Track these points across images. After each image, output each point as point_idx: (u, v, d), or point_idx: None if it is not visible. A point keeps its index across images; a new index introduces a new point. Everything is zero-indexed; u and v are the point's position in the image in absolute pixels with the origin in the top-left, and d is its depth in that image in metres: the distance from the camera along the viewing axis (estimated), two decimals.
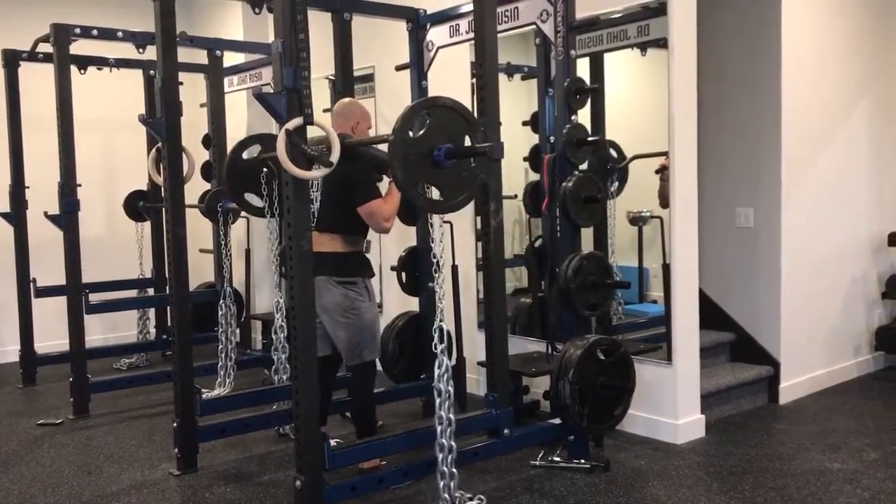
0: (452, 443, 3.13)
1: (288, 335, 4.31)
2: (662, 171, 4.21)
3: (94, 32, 5.00)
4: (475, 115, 3.37)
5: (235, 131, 5.84)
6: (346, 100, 3.94)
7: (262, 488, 3.66)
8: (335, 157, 3.03)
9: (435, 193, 3.08)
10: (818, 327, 4.95)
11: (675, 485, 3.52)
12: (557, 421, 3.73)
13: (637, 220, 4.73)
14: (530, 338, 4.71)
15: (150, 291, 6.34)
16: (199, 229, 5.76)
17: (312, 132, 3.10)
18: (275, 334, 4.40)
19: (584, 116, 4.00)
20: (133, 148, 6.53)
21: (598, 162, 4.47)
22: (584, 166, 3.98)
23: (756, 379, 4.63)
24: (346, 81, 4.49)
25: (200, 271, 6.18)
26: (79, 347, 4.98)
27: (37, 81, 5.63)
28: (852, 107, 5.13)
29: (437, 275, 3.13)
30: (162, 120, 3.76)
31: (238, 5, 6.42)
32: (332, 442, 3.23)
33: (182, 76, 4.06)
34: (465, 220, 4.89)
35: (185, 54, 4.64)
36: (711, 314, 4.73)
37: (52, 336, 6.05)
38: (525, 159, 4.87)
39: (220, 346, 4.84)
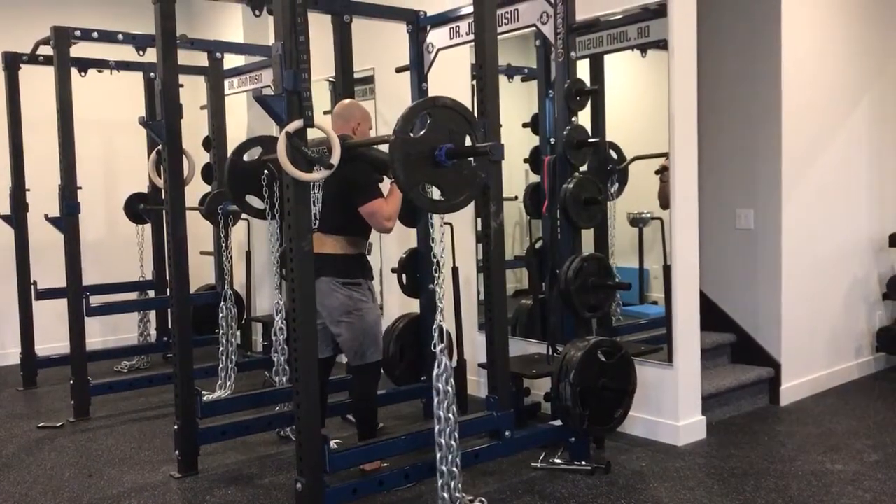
0: (452, 442, 3.13)
1: (288, 337, 4.32)
2: (662, 171, 4.21)
3: (95, 35, 5.00)
4: (476, 116, 3.37)
5: (236, 133, 5.85)
6: (347, 101, 3.94)
7: (262, 491, 3.66)
8: (335, 158, 3.03)
9: (436, 193, 3.07)
10: (819, 329, 4.95)
11: (677, 487, 3.52)
12: (558, 423, 3.73)
13: (637, 222, 4.73)
14: (531, 339, 4.71)
15: (151, 294, 6.34)
16: (199, 231, 5.76)
17: (312, 134, 3.10)
18: (274, 336, 4.40)
19: (584, 118, 3.99)
20: (133, 150, 6.54)
21: (599, 163, 4.47)
22: (584, 168, 3.98)
23: (757, 380, 4.62)
24: (347, 83, 4.49)
25: (201, 273, 6.18)
26: (79, 350, 4.98)
27: (37, 84, 5.64)
28: (852, 107, 5.13)
29: (437, 275, 3.13)
30: (162, 122, 3.77)
31: (238, 7, 6.43)
32: (333, 444, 3.22)
33: (182, 78, 4.06)
34: (465, 221, 4.89)
35: (185, 56, 4.64)
36: (712, 315, 4.73)
37: (52, 338, 6.05)
38: (525, 161, 4.87)
39: (221, 349, 4.83)
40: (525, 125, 4.85)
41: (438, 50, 4.50)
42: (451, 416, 3.13)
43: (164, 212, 4.05)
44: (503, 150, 3.38)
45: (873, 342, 5.35)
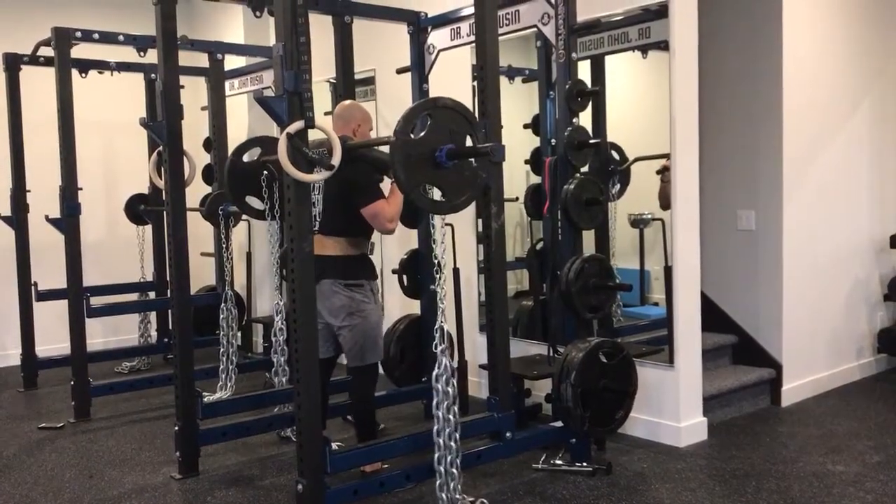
0: (452, 443, 3.13)
1: (288, 338, 4.32)
2: (663, 172, 4.21)
3: (95, 36, 5.00)
4: (477, 118, 3.37)
5: (236, 134, 5.85)
6: (347, 102, 3.94)
7: (263, 492, 3.66)
8: (336, 160, 3.03)
9: (437, 194, 3.07)
10: (820, 330, 4.94)
11: (678, 488, 3.52)
12: (559, 424, 3.73)
13: (638, 223, 4.72)
14: (532, 340, 4.71)
15: (152, 295, 6.34)
16: (200, 232, 5.75)
17: (313, 135, 3.10)
18: (274, 337, 4.40)
19: (585, 119, 3.99)
20: (134, 151, 6.54)
21: (600, 164, 4.47)
22: (585, 169, 3.97)
23: (758, 381, 4.62)
24: (347, 84, 4.49)
25: (201, 275, 6.18)
26: (80, 351, 4.98)
27: (38, 85, 5.64)
28: (853, 108, 5.13)
29: (438, 276, 3.12)
30: (163, 123, 3.77)
31: (239, 9, 6.43)
32: (334, 445, 3.22)
33: (183, 79, 4.06)
34: (466, 222, 4.88)
35: (186, 57, 4.64)
36: (713, 316, 4.73)
37: (53, 339, 6.05)
38: (526, 162, 4.87)
39: (222, 350, 4.83)
40: (526, 126, 4.85)
41: (439, 51, 4.50)
42: (451, 416, 3.13)
43: (164, 213, 4.05)
44: (504, 151, 3.38)
45: (874, 343, 5.35)
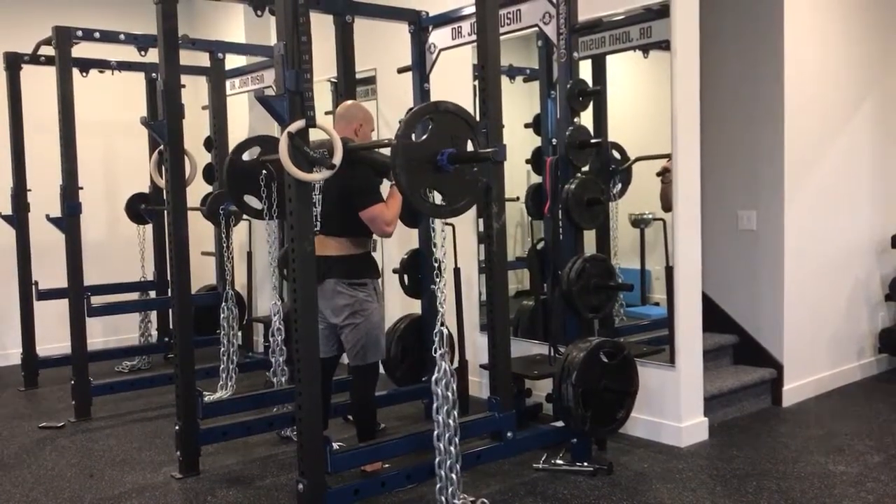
0: (452, 448, 3.13)
1: (286, 338, 4.31)
2: (664, 173, 4.20)
3: (96, 35, 5.00)
4: (477, 117, 3.37)
5: (237, 134, 5.84)
6: (349, 102, 3.94)
7: (264, 492, 3.65)
8: (337, 159, 3.03)
9: (437, 198, 3.07)
10: (821, 330, 4.94)
11: (679, 488, 3.51)
12: (560, 424, 3.72)
13: (639, 223, 4.72)
14: (533, 340, 4.70)
15: (152, 294, 6.34)
16: (200, 232, 5.75)
17: (314, 134, 3.10)
18: (272, 336, 4.40)
19: (586, 118, 3.99)
20: (135, 150, 6.54)
21: (601, 164, 4.47)
22: (586, 168, 3.97)
23: (759, 381, 4.62)
24: (348, 84, 4.49)
25: (202, 274, 6.17)
26: (80, 350, 4.98)
27: (39, 84, 5.63)
28: (855, 108, 5.13)
29: (438, 278, 3.12)
30: (164, 122, 3.76)
31: (240, 8, 6.43)
32: (335, 445, 3.22)
33: (184, 79, 4.06)
34: (467, 222, 4.88)
35: (186, 57, 4.63)
36: (714, 317, 4.72)
37: (53, 339, 6.05)
38: (527, 162, 4.87)
39: (222, 349, 4.83)
40: (527, 126, 4.84)
41: (440, 50, 4.50)
42: (451, 421, 3.12)
43: (165, 212, 4.04)
44: (505, 150, 3.38)
45: (876, 343, 5.35)
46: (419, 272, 4.55)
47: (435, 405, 3.12)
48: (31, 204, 5.70)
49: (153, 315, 6.41)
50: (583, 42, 4.06)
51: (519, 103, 5.05)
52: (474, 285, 5.02)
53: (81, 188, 5.02)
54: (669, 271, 4.10)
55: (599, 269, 3.82)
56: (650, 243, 4.72)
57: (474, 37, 3.90)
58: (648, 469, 3.75)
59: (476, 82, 4.72)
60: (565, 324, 3.93)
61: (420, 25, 4.53)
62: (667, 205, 4.15)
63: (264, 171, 4.15)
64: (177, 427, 3.85)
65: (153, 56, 4.39)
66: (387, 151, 3.28)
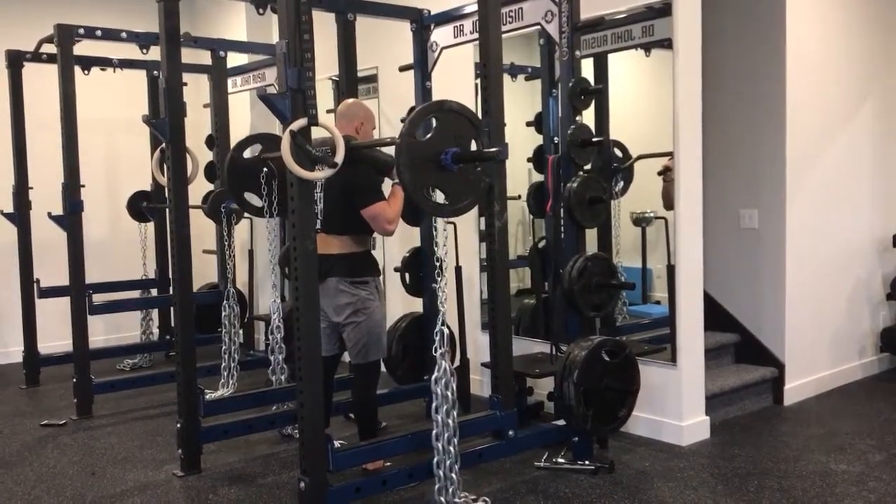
0: (451, 448, 3.13)
1: (286, 336, 4.31)
2: (666, 172, 4.20)
3: (98, 33, 5.00)
4: (479, 116, 3.37)
5: (239, 132, 5.84)
6: (350, 101, 3.93)
7: (265, 489, 3.66)
8: (340, 157, 3.03)
9: (440, 197, 3.07)
10: (823, 329, 4.94)
11: (680, 486, 3.51)
12: (562, 422, 3.72)
13: (640, 221, 4.72)
14: (534, 339, 4.70)
15: (154, 292, 6.35)
16: (202, 230, 5.75)
17: (315, 133, 3.10)
18: (272, 335, 4.40)
19: (587, 117, 3.99)
20: (136, 148, 6.54)
21: (603, 162, 4.46)
22: (588, 167, 3.97)
23: (761, 380, 4.61)
24: (350, 82, 4.49)
25: (204, 272, 6.17)
26: (82, 348, 4.98)
27: (40, 82, 5.64)
28: (857, 107, 5.12)
29: (440, 277, 3.12)
30: (166, 120, 3.76)
31: (241, 6, 6.42)
32: (336, 443, 3.22)
33: (185, 77, 4.06)
34: (468, 221, 4.87)
35: (188, 55, 4.65)
36: (716, 315, 4.72)
37: (55, 337, 6.05)
38: (529, 160, 4.86)
39: (224, 347, 4.84)
40: (529, 124, 4.84)
41: (442, 48, 4.49)
42: (450, 421, 3.12)
43: (167, 210, 4.05)
44: (507, 149, 3.38)
45: (877, 342, 5.34)
46: (420, 271, 4.55)
47: (434, 404, 3.12)
48: (33, 202, 5.70)
49: (155, 313, 6.42)
50: (585, 40, 4.06)
51: (521, 102, 5.05)
52: (475, 284, 5.01)
53: (83, 186, 5.03)
54: (671, 270, 4.10)
55: (601, 267, 3.82)
56: (652, 242, 4.71)
57: (476, 35, 3.90)
58: (650, 468, 3.76)
59: (478, 81, 4.71)
60: (567, 322, 3.92)
61: (422, 24, 4.53)
62: (668, 203, 4.15)
63: (265, 169, 4.15)
64: (178, 425, 3.85)
65: (155, 54, 4.39)
66: (388, 150, 3.28)
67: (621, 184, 4.59)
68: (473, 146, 3.05)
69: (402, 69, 4.86)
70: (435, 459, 3.12)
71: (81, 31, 4.92)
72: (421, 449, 3.38)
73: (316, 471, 3.03)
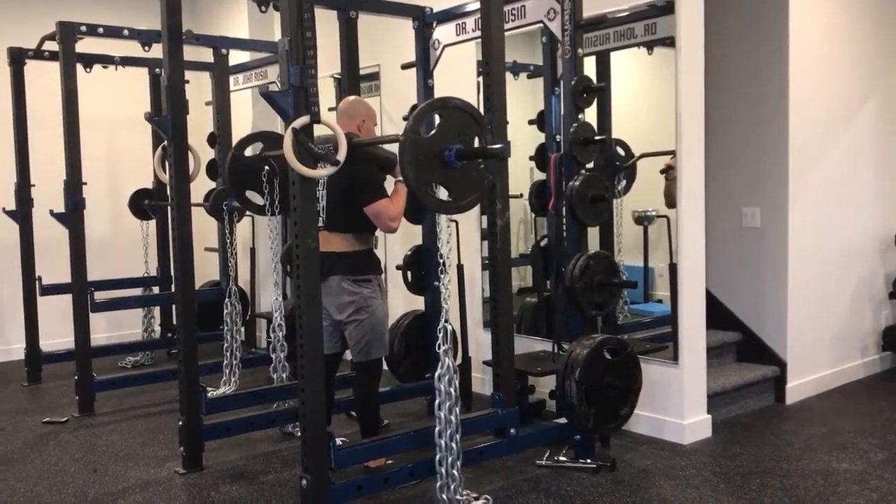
0: (453, 444, 3.12)
1: (288, 334, 4.31)
2: (668, 170, 4.20)
3: (100, 30, 5.00)
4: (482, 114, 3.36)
5: (241, 130, 5.83)
6: (351, 98, 3.93)
7: (267, 487, 3.66)
8: (342, 155, 3.02)
9: (443, 194, 3.06)
10: (825, 327, 4.93)
11: (682, 485, 3.51)
12: (563, 421, 3.72)
13: (642, 220, 4.72)
14: (536, 337, 4.70)
15: (155, 290, 6.35)
16: (204, 228, 5.75)
17: (317, 130, 3.09)
18: (273, 332, 4.40)
19: (590, 115, 3.98)
20: (138, 146, 6.54)
21: (605, 161, 4.46)
22: (590, 165, 3.96)
23: (762, 379, 4.61)
24: (352, 80, 4.49)
25: (205, 270, 6.18)
26: (84, 345, 4.99)
27: (42, 79, 5.64)
28: (860, 105, 5.11)
29: (443, 275, 3.12)
30: (168, 118, 3.76)
31: (243, 3, 6.43)
32: (338, 441, 3.22)
33: (188, 74, 4.06)
34: (470, 219, 4.88)
35: (190, 52, 4.64)
36: (718, 314, 4.71)
37: (57, 334, 6.05)
38: (531, 158, 4.86)
39: (225, 345, 4.84)
40: (531, 122, 4.83)
41: (444, 46, 4.49)
42: (452, 417, 3.12)
43: (168, 208, 4.05)
44: (509, 147, 3.37)
45: (879, 341, 5.34)
46: (422, 269, 4.54)
47: (437, 401, 3.12)
48: (35, 199, 5.70)
49: (156, 311, 6.42)
50: (587, 38, 4.05)
51: (523, 100, 5.05)
52: (477, 282, 5.01)
53: (85, 184, 5.03)
54: (673, 268, 4.10)
55: (603, 265, 3.82)
56: (653, 240, 4.71)
57: (478, 33, 3.89)
58: (651, 466, 3.75)
59: (480, 78, 4.71)
60: (568, 321, 3.92)
61: (424, 21, 4.52)
62: (670, 201, 4.15)
63: (267, 167, 4.15)
64: (180, 422, 3.86)
65: (157, 51, 4.40)
66: (390, 147, 3.28)
67: (623, 182, 4.58)
68: (476, 143, 3.05)
69: (405, 67, 4.85)
70: (437, 456, 3.12)
71: (83, 28, 4.92)
72: (423, 447, 3.38)
73: (318, 468, 3.03)
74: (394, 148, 3.15)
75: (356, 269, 3.65)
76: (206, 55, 5.81)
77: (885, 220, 5.34)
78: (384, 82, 5.64)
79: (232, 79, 5.94)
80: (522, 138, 4.75)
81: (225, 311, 4.88)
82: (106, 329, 6.64)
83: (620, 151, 4.60)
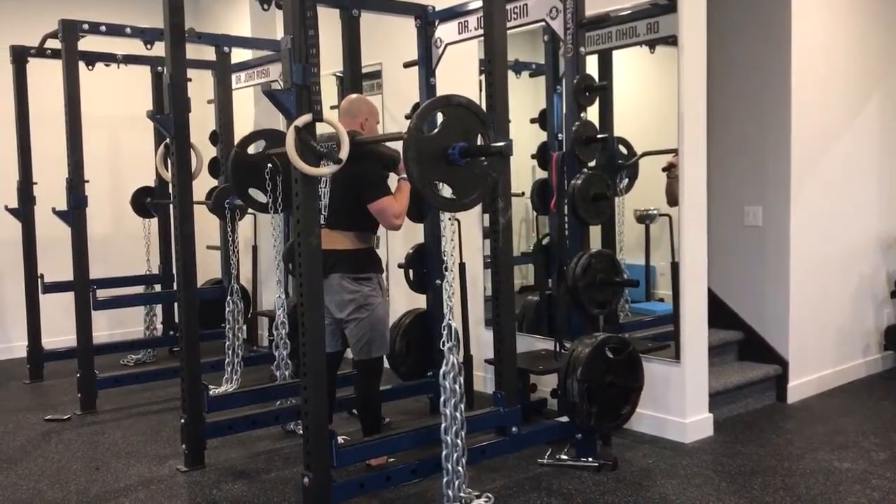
0: (459, 441, 3.13)
1: (291, 331, 4.31)
2: (670, 168, 4.19)
3: (103, 28, 5.00)
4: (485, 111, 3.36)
5: (243, 128, 5.83)
6: (354, 96, 3.93)
7: (269, 485, 3.66)
8: (344, 153, 3.03)
9: (446, 191, 3.07)
10: (827, 326, 4.93)
11: (684, 484, 3.51)
12: (565, 419, 3.72)
13: (644, 218, 4.71)
14: (538, 336, 4.70)
15: (157, 288, 6.35)
16: (206, 226, 5.76)
17: (320, 128, 3.09)
18: (276, 330, 4.41)
19: (592, 114, 3.98)
20: (140, 144, 6.54)
21: (607, 159, 4.46)
22: (592, 163, 3.96)
23: (764, 378, 4.61)
24: (354, 78, 4.49)
25: (207, 268, 6.18)
26: (86, 343, 4.99)
27: (45, 77, 5.64)
28: (862, 103, 5.11)
29: (446, 273, 3.12)
30: (170, 116, 3.76)
31: (245, 1, 6.44)
32: (340, 439, 3.23)
33: (190, 72, 4.05)
34: (472, 217, 4.88)
35: (192, 51, 4.63)
36: (719, 313, 4.71)
37: (59, 332, 6.05)
38: (533, 157, 4.86)
39: (227, 343, 4.84)
40: (533, 121, 4.83)
41: (447, 45, 4.49)
42: (458, 414, 3.12)
43: (170, 206, 4.05)
44: (511, 145, 3.37)
45: (881, 340, 5.34)
46: (424, 267, 4.54)
47: (442, 398, 3.12)
48: (37, 197, 5.71)
49: (158, 308, 6.42)
50: (589, 37, 4.05)
51: (525, 98, 5.04)
52: (479, 280, 5.01)
53: (87, 181, 5.04)
54: (675, 267, 4.09)
55: (605, 264, 3.82)
56: (655, 239, 4.71)
57: (481, 31, 3.89)
58: (653, 465, 3.76)
59: (482, 77, 4.71)
60: (570, 319, 3.92)
61: (426, 20, 4.52)
62: (672, 200, 4.14)
63: (270, 165, 4.15)
64: (182, 420, 3.86)
65: (159, 50, 4.39)
66: (395, 145, 3.27)
67: (625, 181, 4.59)
68: (480, 141, 3.04)
69: (407, 65, 4.85)
70: (443, 453, 3.12)
71: (86, 26, 4.92)
72: (424, 445, 3.38)
73: (319, 466, 3.03)
74: (396, 145, 3.15)
75: (357, 267, 3.65)
76: (209, 53, 5.81)
77: (887, 219, 5.34)
78: (386, 81, 5.64)
79: (234, 77, 5.95)
80: (524, 137, 4.75)
81: (227, 309, 4.88)
82: (108, 327, 6.65)
83: (622, 150, 4.60)
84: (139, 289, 6.32)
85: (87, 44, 5.12)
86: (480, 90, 4.69)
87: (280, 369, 4.40)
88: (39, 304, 5.76)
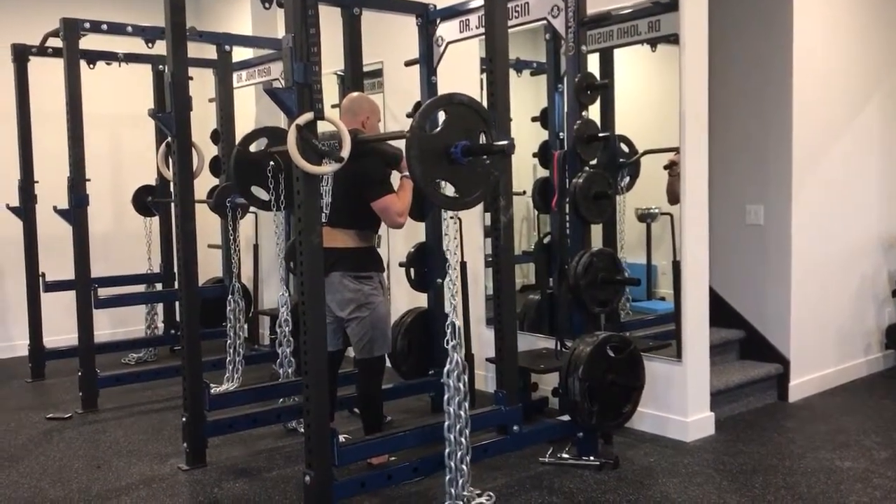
0: (462, 439, 3.13)
1: (293, 330, 4.32)
2: (671, 167, 4.19)
3: (104, 27, 5.00)
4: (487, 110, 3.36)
5: (244, 126, 5.83)
6: (355, 94, 3.93)
7: (270, 483, 3.66)
8: (346, 152, 3.03)
9: (449, 190, 3.07)
10: (828, 325, 4.93)
11: (685, 482, 3.51)
12: (566, 418, 3.72)
13: (645, 217, 4.71)
14: (539, 334, 4.71)
15: (159, 286, 6.36)
16: (207, 224, 5.76)
17: (321, 126, 3.09)
18: (279, 328, 4.41)
19: (593, 112, 3.97)
20: (142, 143, 6.55)
21: (609, 158, 4.46)
22: (593, 162, 3.96)
23: (766, 377, 4.61)
24: (355, 77, 4.48)
25: (208, 267, 6.19)
26: (87, 342, 5.00)
27: (46, 76, 5.64)
28: (864, 102, 5.10)
29: (450, 269, 3.12)
30: (171, 115, 3.76)
31: (247, 0, 6.42)
32: (342, 438, 3.22)
33: (191, 71, 4.05)
34: (473, 216, 4.88)
35: (193, 49, 4.63)
36: (721, 311, 4.71)
37: (60, 330, 6.06)
38: (534, 155, 4.86)
39: (229, 342, 4.84)
40: (534, 119, 4.83)
41: (448, 43, 4.48)
42: (462, 413, 3.12)
43: (172, 204, 4.05)
44: (513, 144, 3.37)
45: (882, 339, 5.33)
46: (425, 266, 4.55)
47: (446, 396, 3.12)
48: (39, 195, 5.71)
49: (159, 307, 6.42)
50: (591, 35, 4.05)
51: (526, 97, 5.04)
52: (480, 279, 5.01)
53: (88, 180, 5.03)
54: (676, 266, 4.09)
55: (606, 263, 3.81)
56: (657, 237, 4.71)
57: (482, 30, 3.89)
58: (654, 463, 3.75)
59: (484, 75, 4.71)
60: (571, 318, 3.92)
61: (428, 18, 4.52)
62: (673, 198, 4.14)
63: (272, 163, 4.15)
64: (183, 419, 3.86)
65: (160, 48, 4.39)
66: (398, 143, 3.27)
67: (627, 179, 4.59)
68: (482, 140, 3.04)
69: (408, 64, 4.85)
70: (447, 451, 3.12)
71: (87, 25, 4.92)
72: (426, 443, 3.38)
73: (321, 465, 3.03)
74: (398, 144, 3.15)
75: (358, 266, 3.65)
76: (210, 52, 5.82)
77: (888, 218, 5.33)
78: (387, 79, 5.64)
79: (235, 75, 5.95)
80: (525, 135, 4.74)
81: (228, 308, 4.88)
82: (109, 325, 6.65)
83: (624, 148, 4.60)
84: (140, 287, 6.32)
85: (89, 42, 5.12)
86: (482, 89, 4.72)
87: (283, 367, 4.40)
88: (41, 302, 5.77)
